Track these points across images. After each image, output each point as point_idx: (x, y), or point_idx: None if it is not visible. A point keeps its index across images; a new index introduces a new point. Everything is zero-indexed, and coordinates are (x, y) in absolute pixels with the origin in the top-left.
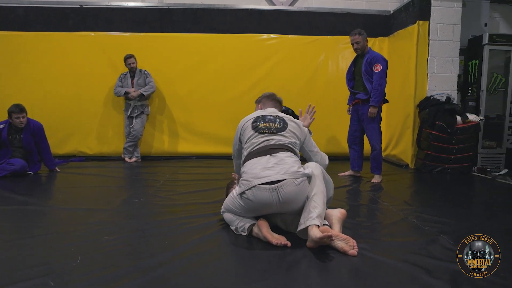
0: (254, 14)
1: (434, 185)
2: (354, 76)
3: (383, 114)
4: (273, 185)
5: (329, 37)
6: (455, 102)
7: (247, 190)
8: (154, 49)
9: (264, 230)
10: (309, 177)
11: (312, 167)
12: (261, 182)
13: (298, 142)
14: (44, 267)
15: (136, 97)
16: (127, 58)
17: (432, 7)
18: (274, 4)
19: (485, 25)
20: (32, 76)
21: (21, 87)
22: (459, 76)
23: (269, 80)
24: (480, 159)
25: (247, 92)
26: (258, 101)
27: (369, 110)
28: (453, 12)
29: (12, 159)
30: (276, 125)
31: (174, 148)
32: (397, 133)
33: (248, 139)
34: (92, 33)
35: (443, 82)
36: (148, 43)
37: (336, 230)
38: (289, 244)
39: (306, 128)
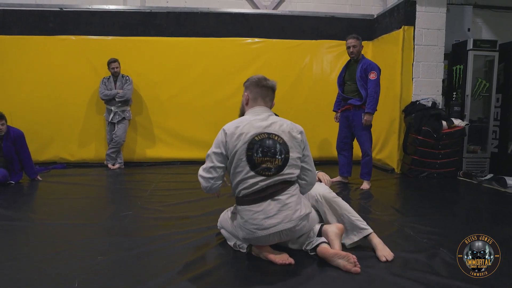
0: (238, 17)
1: (422, 191)
2: (344, 81)
3: None
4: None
5: (313, 41)
6: (440, 107)
7: (250, 237)
8: (137, 53)
9: (264, 250)
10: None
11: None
12: (266, 234)
13: (299, 164)
14: None
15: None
16: (111, 62)
17: (417, 12)
18: (258, 8)
19: (468, 30)
20: (11, 81)
21: None
22: (443, 81)
23: None
24: (465, 163)
25: (231, 96)
26: (246, 87)
27: (364, 118)
28: (438, 17)
29: None
30: (277, 162)
31: (157, 153)
32: (383, 138)
33: (240, 172)
34: (72, 37)
35: (428, 87)
36: (130, 47)
37: (336, 247)
38: (292, 261)
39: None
